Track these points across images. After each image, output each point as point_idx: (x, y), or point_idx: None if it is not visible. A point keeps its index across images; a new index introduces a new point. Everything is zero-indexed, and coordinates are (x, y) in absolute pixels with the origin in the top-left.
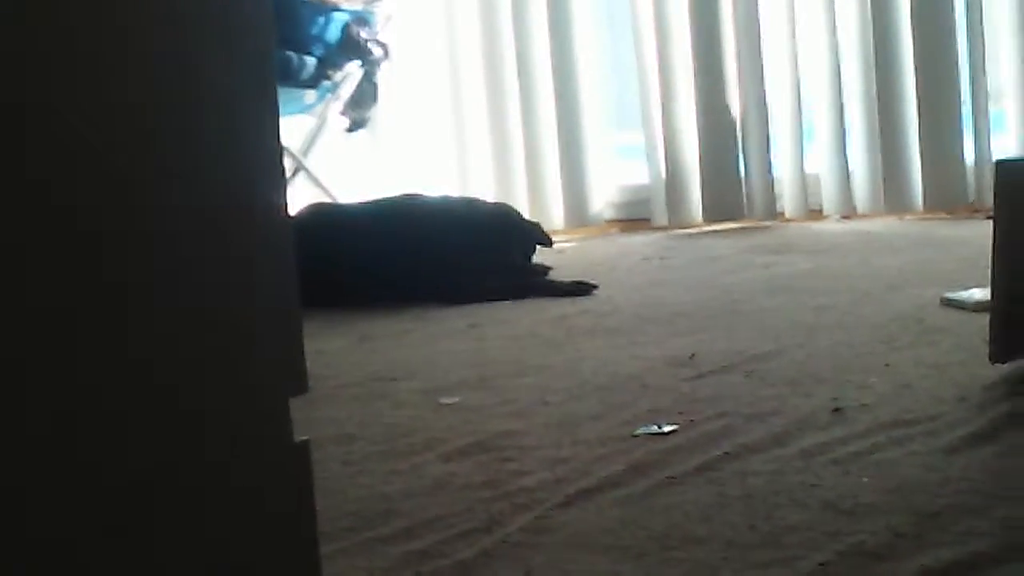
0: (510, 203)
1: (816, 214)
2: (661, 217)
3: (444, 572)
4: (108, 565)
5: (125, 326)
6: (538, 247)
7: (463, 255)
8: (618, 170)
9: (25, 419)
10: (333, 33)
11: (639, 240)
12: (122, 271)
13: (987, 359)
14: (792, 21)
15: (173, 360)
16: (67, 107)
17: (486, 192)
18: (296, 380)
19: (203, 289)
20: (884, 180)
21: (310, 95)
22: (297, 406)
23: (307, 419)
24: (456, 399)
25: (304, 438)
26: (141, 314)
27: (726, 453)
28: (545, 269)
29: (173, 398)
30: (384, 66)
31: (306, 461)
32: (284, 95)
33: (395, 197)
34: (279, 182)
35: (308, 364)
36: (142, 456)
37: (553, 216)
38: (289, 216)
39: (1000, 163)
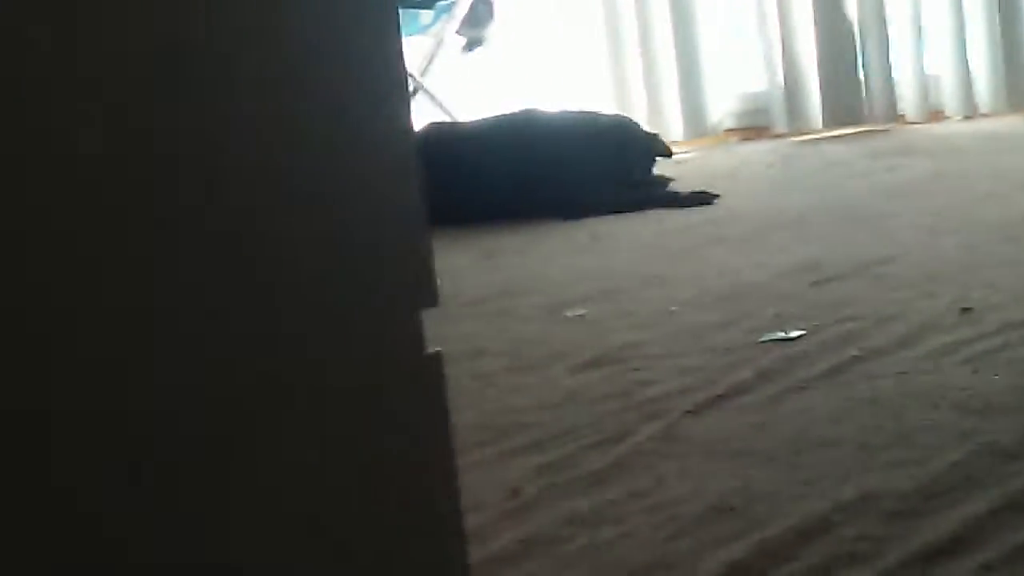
0: (628, 115)
1: (938, 115)
2: (780, 124)
3: (577, 482)
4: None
5: (260, 243)
6: (658, 158)
7: (583, 169)
8: (736, 78)
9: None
10: None
11: (759, 148)
12: (252, 193)
13: None
14: None
15: (307, 276)
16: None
17: (604, 105)
18: (427, 293)
19: (333, 207)
20: (1006, 78)
21: (426, 15)
22: (427, 322)
23: (436, 335)
24: (581, 312)
25: (437, 349)
26: (276, 232)
27: (853, 357)
28: (666, 180)
29: (309, 312)
30: None
31: (440, 371)
32: (401, 16)
33: (513, 114)
34: (404, 101)
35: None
36: (279, 366)
37: (672, 127)
38: (414, 135)
39: None
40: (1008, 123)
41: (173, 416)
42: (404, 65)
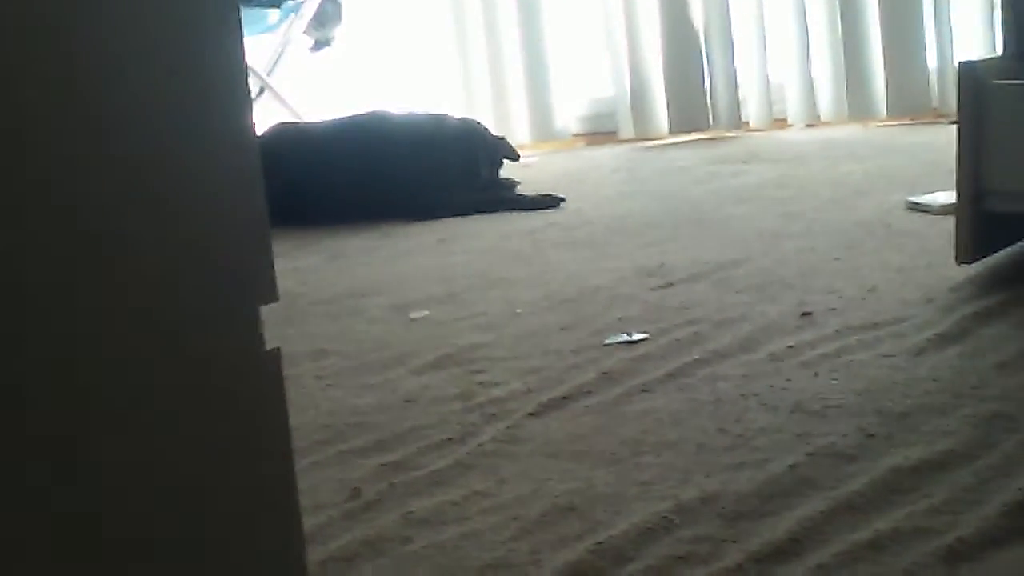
0: (476, 118)
1: (781, 123)
2: (627, 130)
3: (418, 483)
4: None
5: (99, 239)
6: (505, 162)
7: (430, 171)
8: (583, 83)
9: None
10: None
11: (605, 153)
12: (94, 192)
13: (953, 261)
14: None
15: (147, 275)
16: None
17: (452, 108)
18: (266, 289)
19: (173, 203)
20: (848, 87)
21: (273, 15)
22: (270, 323)
23: (280, 336)
24: (426, 313)
25: (275, 346)
26: (115, 231)
27: (696, 359)
28: (512, 183)
29: (149, 311)
30: None
31: (278, 368)
32: (247, 15)
33: (361, 115)
34: (245, 98)
35: (279, 282)
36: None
37: (519, 131)
38: (255, 134)
39: (963, 64)
40: (848, 131)
41: (17, 416)
42: (244, 64)
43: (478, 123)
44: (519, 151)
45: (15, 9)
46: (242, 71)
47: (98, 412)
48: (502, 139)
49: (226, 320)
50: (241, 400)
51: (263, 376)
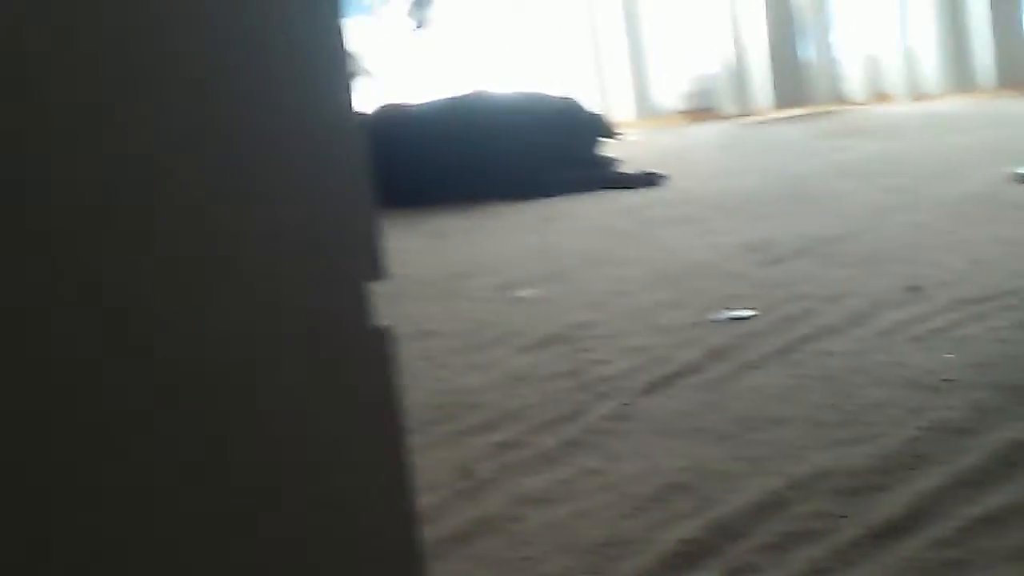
0: (574, 97)
1: (884, 97)
2: (728, 106)
3: (529, 461)
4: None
5: (202, 219)
6: (605, 139)
7: (532, 150)
8: (684, 61)
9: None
10: None
11: (707, 130)
12: (199, 171)
13: None
14: None
15: (256, 250)
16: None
17: (552, 87)
18: (375, 265)
19: (282, 183)
20: (951, 59)
21: None
22: (377, 301)
23: (385, 316)
24: (532, 292)
25: (385, 323)
26: (227, 218)
27: (804, 335)
28: (614, 161)
29: (258, 282)
30: None
31: (388, 345)
32: None
33: (462, 95)
34: (346, 81)
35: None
36: (229, 336)
37: (621, 108)
38: (358, 115)
39: None
40: (952, 104)
41: (121, 390)
42: (345, 46)
43: (577, 101)
44: (621, 128)
45: None
46: (342, 52)
47: (220, 398)
48: (600, 116)
49: (338, 298)
50: (355, 378)
51: (375, 354)
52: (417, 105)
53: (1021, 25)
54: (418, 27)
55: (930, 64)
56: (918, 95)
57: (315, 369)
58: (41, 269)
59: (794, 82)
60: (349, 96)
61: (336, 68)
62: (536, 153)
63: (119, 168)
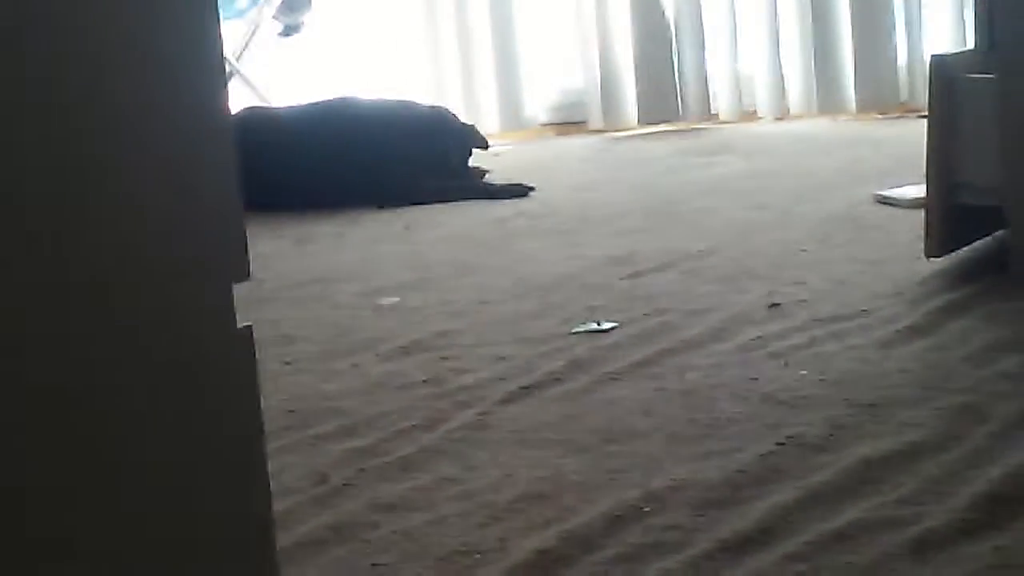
0: (446, 106)
1: (750, 116)
2: (596, 120)
3: (387, 468)
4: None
5: (69, 215)
6: (475, 150)
7: (399, 157)
8: (553, 73)
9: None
10: None
11: (575, 143)
12: (75, 167)
13: (922, 254)
14: None
15: (124, 251)
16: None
17: (421, 95)
18: (238, 267)
19: (150, 182)
20: (817, 81)
21: (243, 0)
22: (237, 307)
23: (246, 320)
24: (394, 300)
25: (247, 324)
26: (96, 204)
27: (665, 349)
28: (482, 172)
29: (125, 288)
30: None
31: (250, 346)
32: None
33: (330, 100)
34: (220, 84)
35: None
36: (92, 337)
37: (488, 119)
38: (230, 116)
39: (935, 57)
40: (818, 125)
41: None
42: (221, 48)
43: (447, 110)
44: (489, 139)
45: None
46: (219, 55)
47: (74, 387)
48: (471, 127)
49: (199, 297)
50: (214, 377)
51: (236, 354)
52: (284, 108)
53: (887, 49)
54: (288, 33)
55: (796, 84)
56: (784, 115)
57: (176, 367)
58: None
59: (662, 98)
60: (224, 98)
61: (212, 70)
62: (404, 160)
63: None
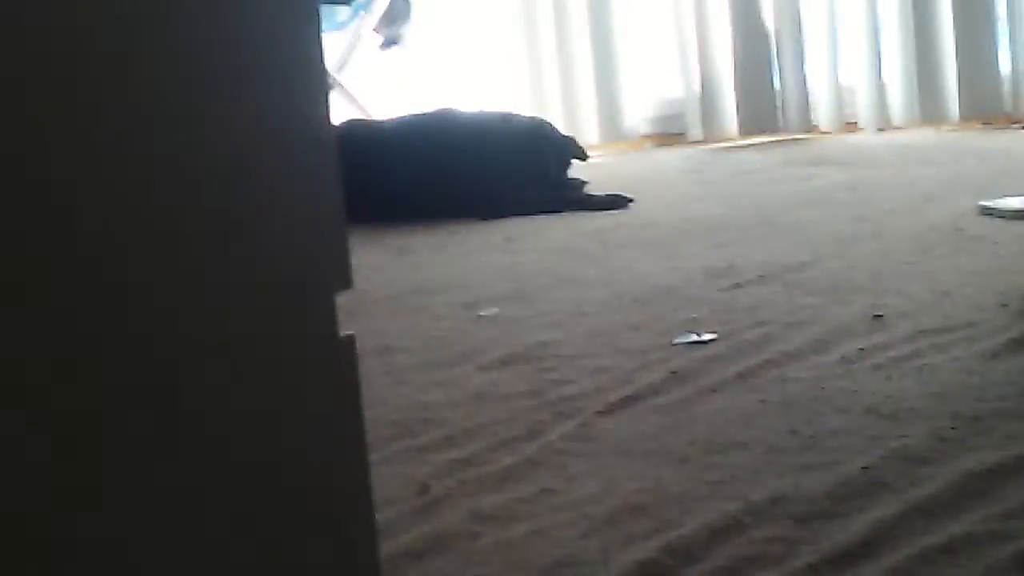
0: (545, 118)
1: (851, 126)
2: (696, 131)
3: (487, 479)
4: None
5: (179, 226)
6: (573, 161)
7: (498, 169)
8: (652, 84)
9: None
10: None
11: (674, 154)
12: (180, 180)
13: None
14: None
15: (230, 261)
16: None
17: (521, 107)
18: (341, 275)
19: (257, 191)
20: (919, 91)
21: (344, 12)
22: (340, 316)
23: (349, 330)
24: (494, 311)
25: (349, 332)
26: (201, 215)
27: (766, 360)
28: (581, 183)
29: (230, 292)
30: None
31: (352, 355)
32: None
33: (430, 113)
34: (324, 95)
35: None
36: (199, 340)
37: (587, 131)
38: (333, 128)
39: None
40: (920, 135)
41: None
42: (323, 60)
43: (546, 122)
44: (588, 151)
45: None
46: (321, 67)
47: (181, 394)
48: (570, 138)
49: (304, 306)
50: (318, 386)
51: (339, 363)
52: (385, 121)
53: (991, 59)
54: (389, 44)
55: (898, 95)
56: (886, 125)
57: (280, 375)
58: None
59: (762, 109)
60: (326, 110)
61: (314, 82)
62: (503, 172)
63: (95, 174)
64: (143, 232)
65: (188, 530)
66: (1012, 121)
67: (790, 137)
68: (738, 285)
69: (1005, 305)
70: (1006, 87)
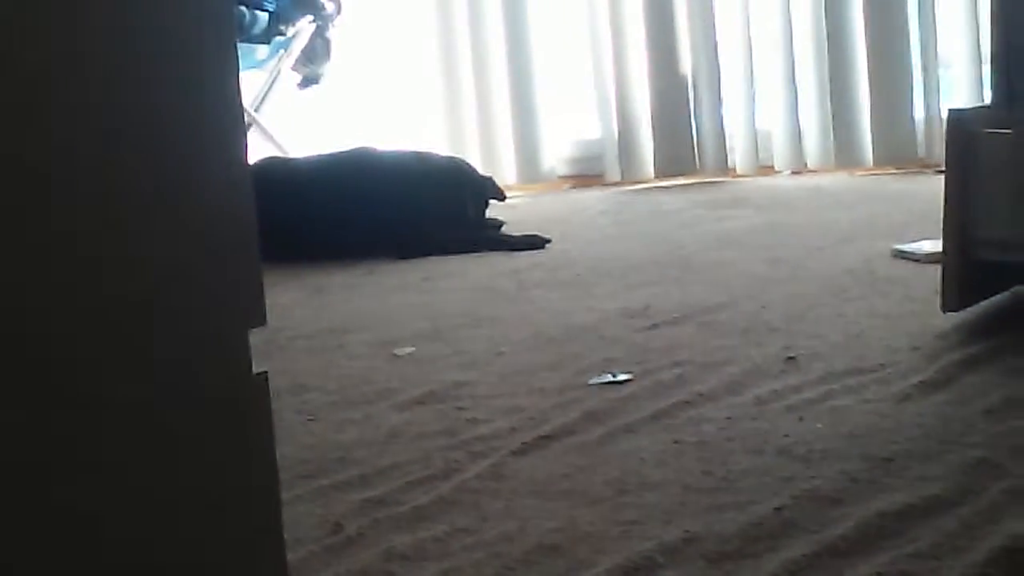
0: (463, 158)
1: (767, 169)
2: (613, 173)
3: (400, 518)
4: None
5: (99, 264)
6: (491, 202)
7: (416, 209)
8: (570, 126)
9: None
10: None
11: (592, 196)
12: (95, 215)
13: (939, 309)
14: None
15: (142, 293)
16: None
17: (439, 147)
18: (255, 312)
19: (170, 226)
20: (834, 136)
21: (262, 50)
22: (253, 354)
23: (262, 368)
24: (410, 350)
25: (263, 370)
26: (114, 254)
27: (680, 401)
28: (498, 223)
29: (142, 329)
30: (336, 21)
31: (265, 392)
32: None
33: (348, 151)
34: (239, 133)
35: None
36: (111, 374)
37: (505, 171)
38: (248, 165)
39: (952, 112)
40: (834, 179)
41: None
42: (240, 98)
43: (465, 162)
44: (506, 191)
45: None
46: (238, 105)
47: (90, 425)
48: (489, 178)
49: (215, 342)
50: (230, 423)
51: (251, 399)
52: (302, 159)
53: (904, 105)
54: (307, 83)
55: (813, 139)
56: (802, 169)
57: (192, 410)
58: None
59: (679, 151)
60: (243, 148)
61: (231, 120)
62: (421, 211)
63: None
64: (57, 262)
65: (87, 567)
66: (925, 166)
67: (707, 179)
68: (654, 326)
69: (917, 348)
70: (919, 133)
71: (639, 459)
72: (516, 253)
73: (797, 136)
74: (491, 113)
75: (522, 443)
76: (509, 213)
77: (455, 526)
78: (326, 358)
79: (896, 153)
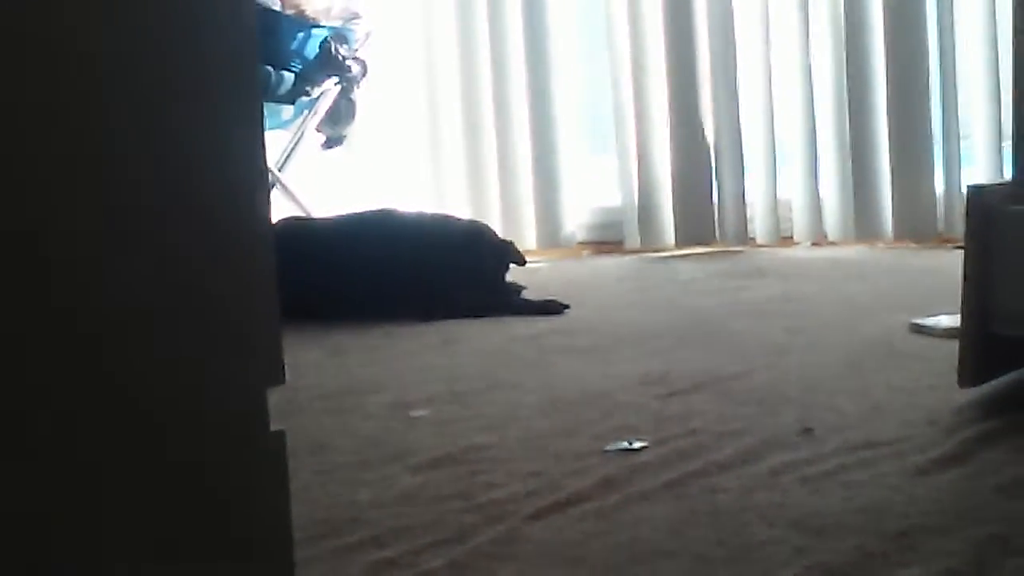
0: (484, 221)
1: (787, 240)
2: (633, 240)
3: None
4: (81, 537)
5: (125, 327)
6: (511, 266)
7: (436, 271)
8: (591, 192)
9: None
10: (312, 49)
11: (611, 262)
12: (120, 271)
13: (956, 384)
14: (767, 49)
15: (167, 352)
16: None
17: (460, 210)
18: (274, 372)
19: (193, 284)
20: (855, 208)
21: (287, 110)
22: (271, 413)
23: (281, 426)
24: (427, 412)
25: (280, 428)
26: (140, 310)
27: (696, 470)
28: (518, 288)
29: (164, 385)
30: (362, 83)
31: (282, 449)
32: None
33: (369, 212)
34: (263, 191)
35: None
36: (130, 430)
37: (526, 237)
38: (272, 225)
39: (972, 187)
40: (854, 251)
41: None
42: (264, 157)
43: (486, 226)
44: (526, 256)
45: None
46: (262, 164)
47: (106, 483)
48: (509, 243)
49: (235, 400)
50: (247, 481)
51: (269, 458)
52: (324, 219)
53: (926, 179)
54: (332, 144)
55: (834, 211)
56: (821, 241)
57: (209, 467)
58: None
59: (700, 220)
60: (266, 207)
61: (255, 179)
62: (440, 274)
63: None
64: (83, 321)
65: None
66: (945, 241)
67: (726, 249)
68: (672, 393)
69: (933, 422)
70: (940, 207)
71: (653, 527)
72: (535, 318)
73: (818, 208)
74: (513, 178)
75: (537, 508)
76: (529, 278)
77: None
78: (343, 418)
79: (916, 227)
